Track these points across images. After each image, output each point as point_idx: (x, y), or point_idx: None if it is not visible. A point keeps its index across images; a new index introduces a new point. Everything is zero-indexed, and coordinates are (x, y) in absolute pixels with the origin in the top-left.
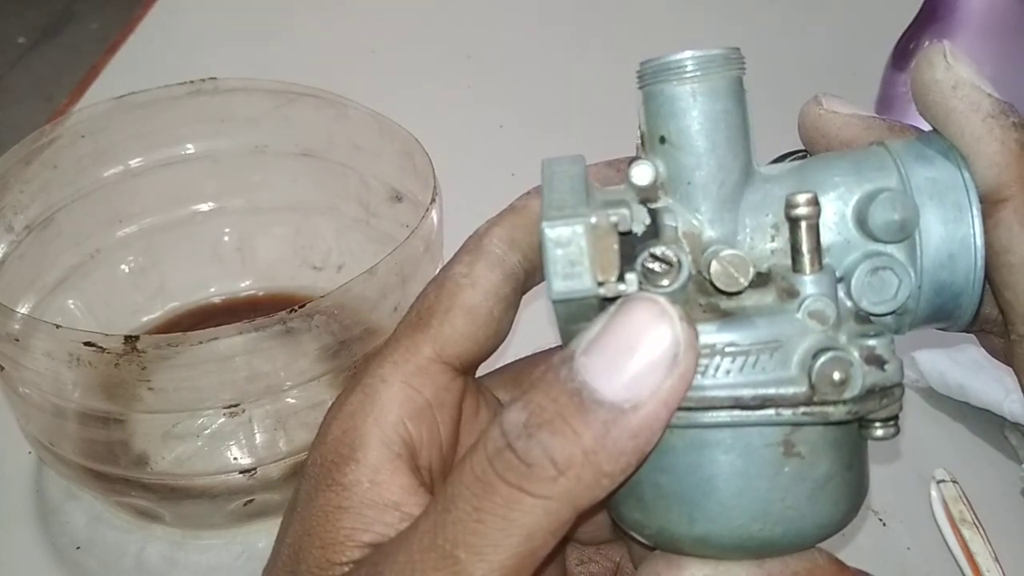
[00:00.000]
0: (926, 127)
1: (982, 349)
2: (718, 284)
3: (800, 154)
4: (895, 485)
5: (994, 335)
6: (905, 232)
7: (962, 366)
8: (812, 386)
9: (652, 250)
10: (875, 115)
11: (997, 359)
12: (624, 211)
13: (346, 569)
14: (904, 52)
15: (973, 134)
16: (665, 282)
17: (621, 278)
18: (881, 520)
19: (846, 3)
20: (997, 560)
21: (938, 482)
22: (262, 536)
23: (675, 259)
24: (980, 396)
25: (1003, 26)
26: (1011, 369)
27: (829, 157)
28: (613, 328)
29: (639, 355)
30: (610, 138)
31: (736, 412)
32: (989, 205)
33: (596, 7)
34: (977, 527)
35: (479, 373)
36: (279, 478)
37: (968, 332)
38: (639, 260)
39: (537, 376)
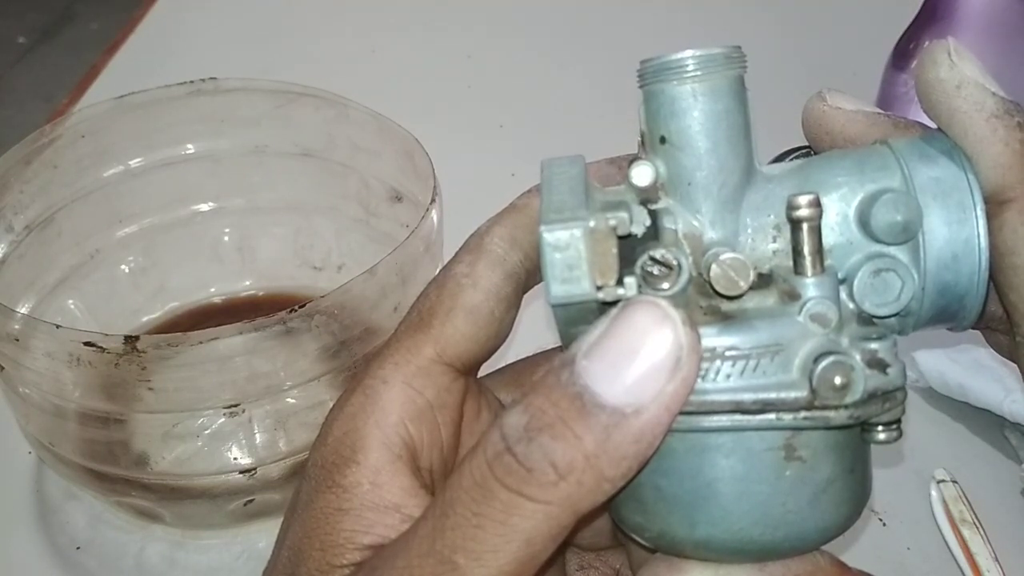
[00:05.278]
0: (931, 123)
1: (982, 349)
2: (718, 288)
3: (803, 150)
4: (895, 485)
5: (999, 332)
6: (908, 234)
7: (962, 366)
8: (813, 390)
9: (652, 253)
10: (880, 111)
11: (1002, 356)
12: (623, 215)
13: (346, 572)
14: (904, 52)
15: (977, 134)
16: (665, 285)
17: (620, 282)
18: (881, 520)
19: (846, 3)
20: (997, 560)
21: (938, 482)
22: (262, 536)
23: (675, 262)
24: (980, 396)
25: (1003, 26)
26: (1012, 368)
27: (832, 156)
28: (615, 331)
29: (641, 359)
30: (610, 137)
31: (737, 416)
32: (994, 206)
33: (596, 7)
34: (977, 527)
35: (480, 374)
36: (279, 478)
37: (973, 329)
38: (638, 263)
39: (537, 379)
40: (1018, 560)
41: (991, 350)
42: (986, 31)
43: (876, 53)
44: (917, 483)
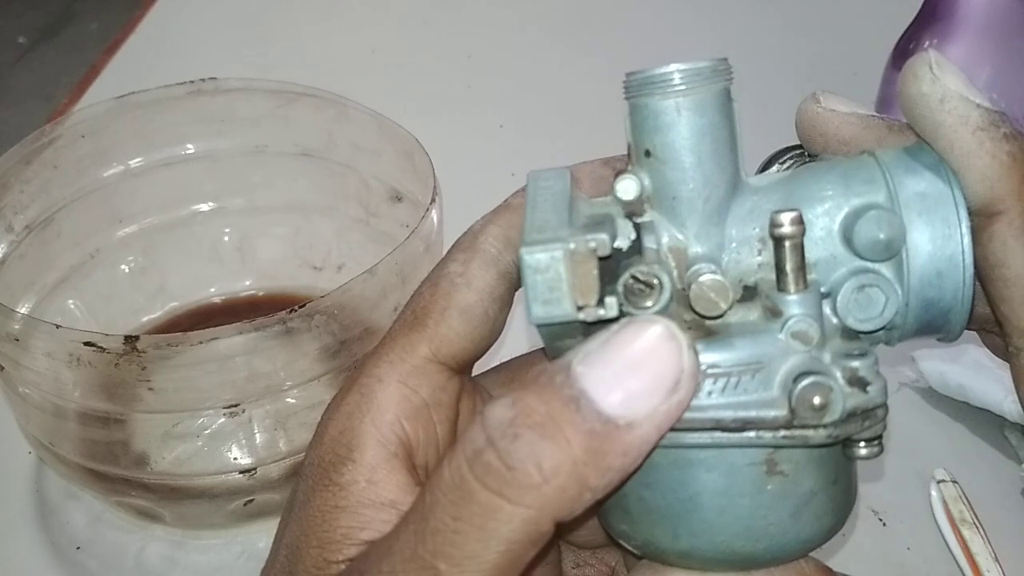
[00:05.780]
0: None
1: (982, 349)
2: (697, 308)
3: (796, 151)
4: (895, 485)
5: (995, 334)
6: (890, 251)
7: (962, 366)
8: (792, 410)
9: (633, 271)
10: (874, 114)
11: (999, 357)
12: (603, 236)
13: (343, 567)
14: (904, 52)
15: (963, 148)
16: (648, 303)
17: (601, 302)
18: (881, 520)
19: (846, 3)
20: (997, 560)
21: (938, 482)
22: (262, 536)
23: (656, 281)
24: (980, 396)
25: (1003, 26)
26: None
27: (819, 168)
28: (618, 343)
29: (643, 374)
30: (610, 137)
31: (717, 434)
32: (983, 219)
33: (596, 7)
34: (977, 527)
35: (475, 372)
36: (279, 478)
37: (968, 331)
38: (621, 281)
39: (529, 378)
40: (1018, 560)
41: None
42: (986, 31)
43: (876, 53)
44: (917, 483)
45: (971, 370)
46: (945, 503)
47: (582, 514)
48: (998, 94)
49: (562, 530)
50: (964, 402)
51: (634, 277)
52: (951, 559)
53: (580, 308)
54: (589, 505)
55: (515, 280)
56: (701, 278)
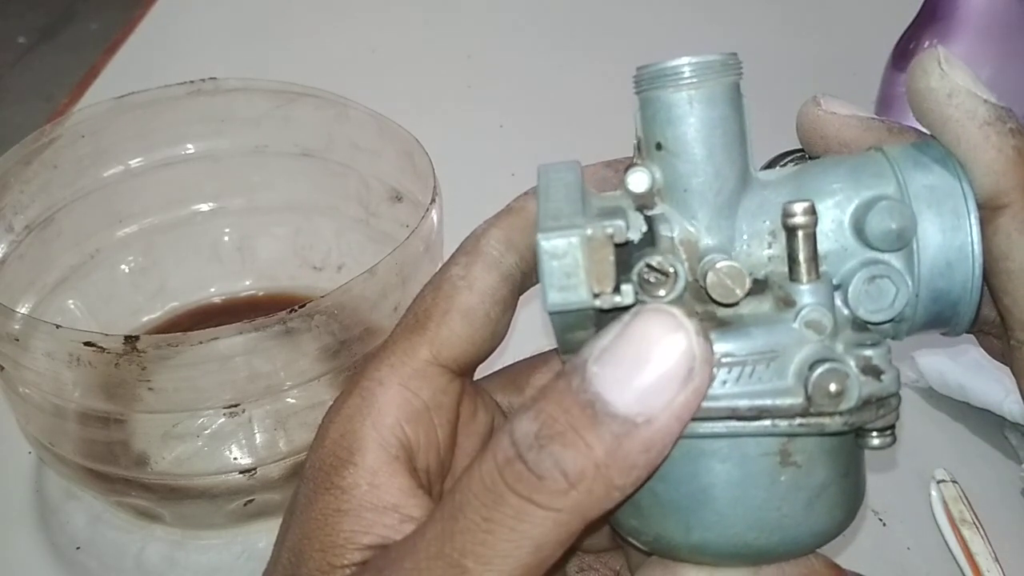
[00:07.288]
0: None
1: (982, 349)
2: (714, 296)
3: (797, 154)
4: (895, 485)
5: (993, 336)
6: (902, 241)
7: (962, 366)
8: (808, 397)
9: (648, 260)
10: (874, 116)
11: (996, 359)
12: (620, 222)
13: (347, 572)
14: (904, 52)
15: (970, 142)
16: (662, 292)
17: (617, 289)
18: (881, 520)
19: (846, 3)
20: (997, 560)
21: (938, 482)
22: (262, 536)
23: (671, 270)
24: (980, 396)
25: (1003, 26)
26: (1009, 370)
27: (827, 163)
28: (627, 338)
29: (653, 367)
30: (610, 138)
31: (732, 423)
32: (988, 212)
33: (596, 7)
34: (977, 527)
35: (477, 376)
36: (279, 478)
37: (968, 333)
38: (635, 270)
39: (548, 385)
40: (1018, 560)
41: None
42: (986, 31)
43: (876, 53)
44: (917, 483)
45: (971, 370)
46: (945, 503)
47: (601, 517)
48: (999, 94)
49: (589, 529)
50: (964, 402)
51: (649, 266)
52: (951, 559)
53: (596, 295)
54: (619, 502)
55: (518, 283)
56: (717, 264)
